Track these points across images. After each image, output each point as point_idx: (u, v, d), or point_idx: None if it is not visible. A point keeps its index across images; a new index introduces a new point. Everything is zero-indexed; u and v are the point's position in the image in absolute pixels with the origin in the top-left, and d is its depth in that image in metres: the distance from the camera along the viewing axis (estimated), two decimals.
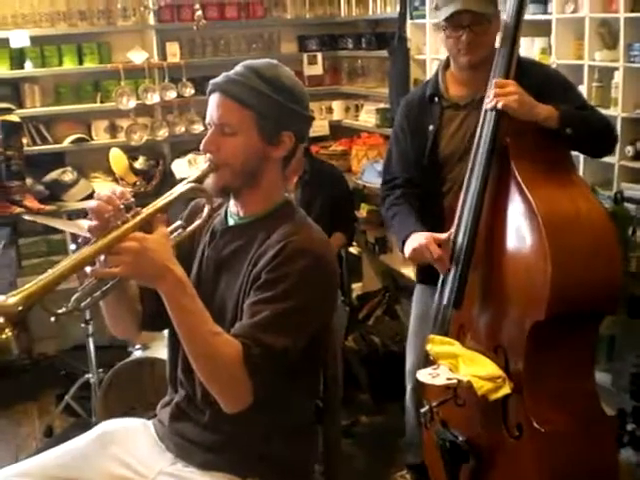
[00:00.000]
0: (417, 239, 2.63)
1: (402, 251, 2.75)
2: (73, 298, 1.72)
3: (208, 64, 5.01)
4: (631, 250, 2.92)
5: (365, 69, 5.36)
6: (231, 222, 2.01)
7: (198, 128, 4.94)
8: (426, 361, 2.57)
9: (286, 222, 1.90)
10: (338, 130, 5.52)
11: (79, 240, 3.40)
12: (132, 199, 1.76)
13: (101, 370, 3.65)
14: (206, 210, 1.89)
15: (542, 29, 3.49)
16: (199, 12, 4.74)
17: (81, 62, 4.80)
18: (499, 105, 2.37)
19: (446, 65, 2.82)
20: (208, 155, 1.89)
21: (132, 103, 4.80)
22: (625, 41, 3.09)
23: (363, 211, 5.01)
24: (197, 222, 1.89)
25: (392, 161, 2.98)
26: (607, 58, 3.22)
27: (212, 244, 2.01)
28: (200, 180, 1.87)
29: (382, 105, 5.01)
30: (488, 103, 2.43)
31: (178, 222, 1.88)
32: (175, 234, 1.85)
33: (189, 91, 4.93)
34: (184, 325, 1.75)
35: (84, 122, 4.89)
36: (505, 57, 2.46)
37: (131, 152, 4.89)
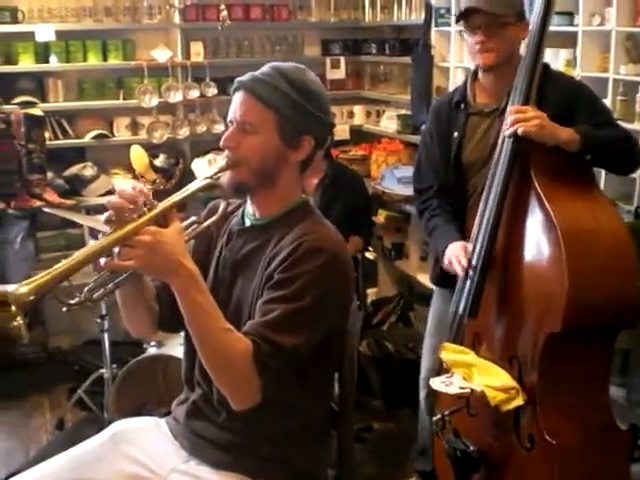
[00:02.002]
0: (449, 251, 2.65)
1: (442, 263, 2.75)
2: (86, 289, 1.74)
3: (231, 64, 5.03)
4: None
5: (388, 75, 5.35)
6: (248, 223, 2.02)
7: (219, 128, 4.94)
8: (440, 369, 2.56)
9: (301, 222, 1.91)
10: (359, 135, 5.53)
11: (99, 236, 3.42)
12: (152, 199, 1.76)
13: (115, 366, 3.67)
14: (222, 206, 1.90)
15: (568, 41, 3.48)
16: (224, 12, 4.75)
17: (105, 58, 4.83)
18: (519, 131, 2.35)
19: (475, 73, 2.82)
20: (226, 152, 1.89)
21: (154, 101, 4.82)
22: None
23: (381, 217, 5.00)
24: (212, 218, 1.90)
25: (422, 168, 2.99)
26: (632, 72, 3.21)
27: (229, 245, 2.02)
28: (217, 176, 1.88)
29: (404, 111, 5.01)
30: (507, 129, 2.41)
31: (193, 218, 1.89)
32: (189, 230, 1.87)
33: (212, 91, 4.95)
34: (195, 320, 1.76)
35: (106, 118, 4.92)
36: (524, 86, 2.44)
37: (152, 150, 4.91)
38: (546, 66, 2.73)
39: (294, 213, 1.95)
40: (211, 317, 1.76)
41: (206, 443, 1.99)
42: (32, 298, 1.57)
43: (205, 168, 4.83)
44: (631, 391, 3.15)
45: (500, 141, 2.47)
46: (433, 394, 2.67)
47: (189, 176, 4.81)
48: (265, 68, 1.92)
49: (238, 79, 1.92)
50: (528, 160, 2.40)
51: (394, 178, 4.57)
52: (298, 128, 1.89)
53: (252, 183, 1.90)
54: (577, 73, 3.37)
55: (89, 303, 1.74)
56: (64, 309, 1.70)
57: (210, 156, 4.93)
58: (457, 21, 2.72)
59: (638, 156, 2.59)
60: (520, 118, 2.36)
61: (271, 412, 1.85)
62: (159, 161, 4.86)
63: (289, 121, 1.87)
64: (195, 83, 4.92)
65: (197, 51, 4.98)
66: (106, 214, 1.71)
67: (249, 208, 2.02)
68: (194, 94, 4.93)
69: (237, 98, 1.91)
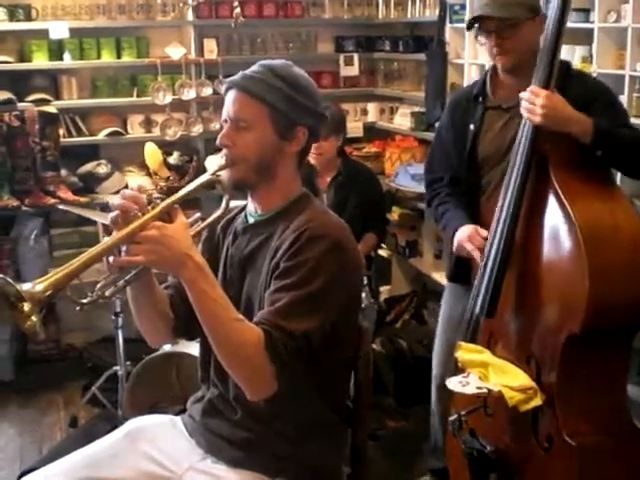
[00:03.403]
0: (463, 232, 2.66)
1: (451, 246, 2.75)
2: (97, 287, 1.77)
3: (245, 62, 4.91)
4: None
5: (401, 72, 5.33)
6: (251, 220, 2.04)
7: None
8: (455, 368, 2.55)
9: (303, 212, 1.93)
10: (372, 132, 5.51)
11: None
12: (155, 198, 1.81)
13: (129, 363, 3.68)
14: (224, 201, 1.91)
15: (584, 38, 3.46)
16: (238, 9, 4.74)
17: (119, 56, 4.83)
18: (525, 115, 2.37)
19: (495, 68, 2.79)
20: (224, 150, 1.93)
21: (168, 98, 4.82)
22: None
23: (394, 214, 5.00)
24: (217, 213, 1.93)
25: (435, 160, 2.98)
26: None
27: (235, 244, 2.04)
28: (217, 175, 1.92)
29: (417, 108, 4.99)
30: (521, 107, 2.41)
31: (197, 214, 1.92)
32: (195, 225, 1.89)
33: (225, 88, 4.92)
34: (205, 311, 1.77)
35: (120, 115, 4.92)
36: (545, 65, 2.41)
37: (165, 147, 4.90)
38: (568, 65, 2.71)
39: (295, 205, 1.97)
40: (221, 307, 1.78)
41: (222, 441, 2.00)
42: (47, 294, 1.63)
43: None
44: None
45: (519, 133, 2.45)
46: (449, 394, 2.65)
47: (203, 173, 4.78)
48: (254, 66, 1.96)
49: (228, 79, 1.96)
50: (546, 156, 2.38)
51: (408, 175, 4.56)
52: (291, 119, 1.92)
53: (252, 179, 1.93)
54: (593, 70, 3.34)
55: (101, 301, 1.78)
56: (77, 308, 1.74)
57: None
58: (469, 28, 2.73)
59: None
60: (530, 101, 2.35)
61: (286, 407, 1.87)
62: (173, 158, 4.85)
63: (282, 113, 1.90)
64: (208, 80, 4.91)
65: (210, 48, 4.97)
66: (111, 215, 1.74)
67: (250, 206, 2.04)
68: (207, 91, 4.92)
69: (229, 97, 1.94)
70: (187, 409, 2.16)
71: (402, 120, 5.23)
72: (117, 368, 3.71)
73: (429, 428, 3.26)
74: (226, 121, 1.95)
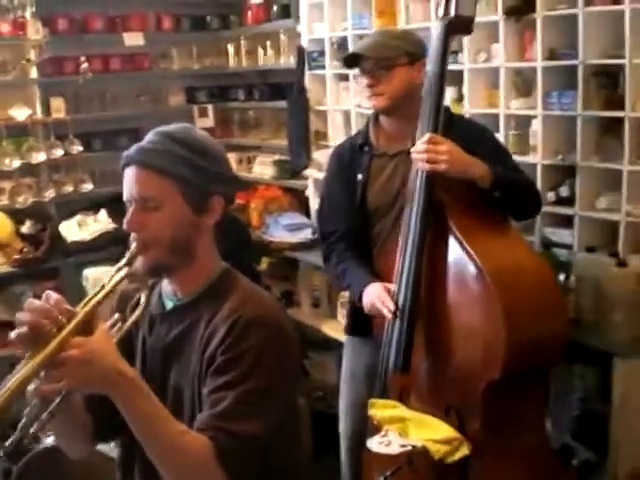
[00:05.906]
0: (371, 292, 2.53)
1: (359, 305, 2.63)
2: (19, 426, 1.49)
3: (95, 119, 4.87)
4: (565, 295, 2.90)
5: (258, 120, 5.30)
6: (169, 305, 1.82)
7: (87, 187, 4.75)
8: (372, 428, 2.44)
9: (231, 294, 1.75)
10: None
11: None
12: (68, 307, 1.51)
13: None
14: (143, 297, 1.71)
15: (453, 79, 3.49)
16: (85, 64, 4.55)
17: None
18: (427, 167, 2.31)
19: (376, 116, 2.77)
20: (133, 235, 1.70)
21: (16, 163, 4.52)
22: (543, 89, 3.12)
23: (264, 264, 4.87)
24: (137, 312, 1.69)
25: (325, 214, 2.90)
26: (523, 106, 3.25)
27: (153, 333, 1.83)
28: (129, 263, 1.67)
29: (278, 156, 4.94)
30: (418, 160, 2.35)
31: (116, 316, 1.67)
32: (115, 329, 1.65)
33: (76, 148, 4.70)
34: (146, 430, 1.55)
35: None
36: (431, 112, 2.39)
37: (16, 215, 4.58)
38: (447, 109, 2.70)
39: (220, 284, 1.79)
40: (164, 422, 1.56)
41: None
42: None
43: (75, 231, 4.57)
44: (558, 420, 3.15)
45: (410, 184, 2.40)
46: (360, 453, 2.56)
47: (59, 241, 4.51)
48: (150, 136, 1.75)
49: (125, 154, 1.73)
50: (442, 202, 2.35)
51: (280, 226, 4.47)
52: (204, 190, 1.72)
53: (169, 261, 1.72)
54: (466, 110, 3.39)
55: (26, 441, 1.49)
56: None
57: (79, 217, 4.68)
58: (346, 66, 2.74)
59: (538, 203, 2.67)
60: (431, 149, 2.30)
61: None
62: (26, 227, 4.54)
63: (192, 185, 1.70)
64: (58, 141, 4.66)
65: (58, 107, 4.72)
66: (18, 332, 1.42)
67: (167, 288, 1.83)
68: (58, 153, 4.65)
69: (129, 175, 1.71)
70: None
71: (262, 169, 5.15)
72: None
73: None
74: (130, 202, 1.71)
